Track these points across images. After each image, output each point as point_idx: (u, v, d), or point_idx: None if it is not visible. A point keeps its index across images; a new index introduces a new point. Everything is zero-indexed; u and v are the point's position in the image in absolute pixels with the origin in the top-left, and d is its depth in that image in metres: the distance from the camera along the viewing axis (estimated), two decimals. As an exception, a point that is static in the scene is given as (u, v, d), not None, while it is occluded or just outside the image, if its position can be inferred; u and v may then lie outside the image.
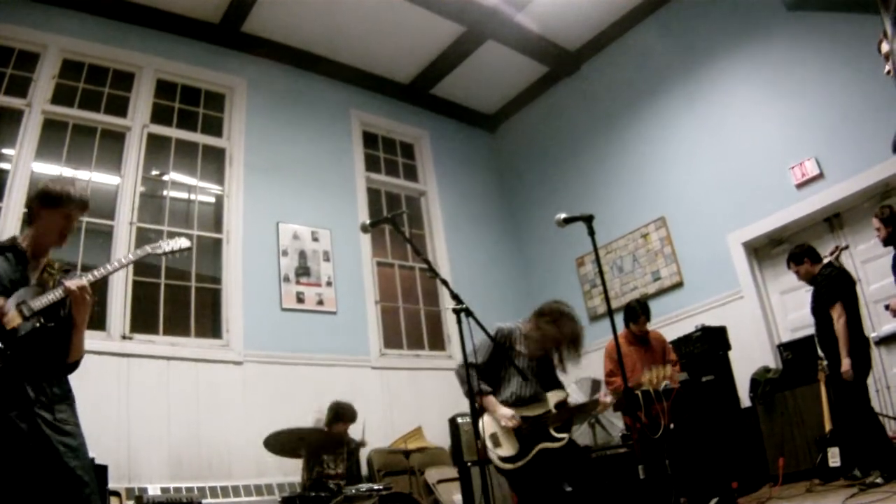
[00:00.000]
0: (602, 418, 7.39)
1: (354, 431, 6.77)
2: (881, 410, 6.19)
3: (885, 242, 5.74)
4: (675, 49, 8.81)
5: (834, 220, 7.46)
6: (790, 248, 7.04)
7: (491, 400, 4.55)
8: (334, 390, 6.94)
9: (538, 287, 10.21)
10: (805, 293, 7.26)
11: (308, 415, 6.75)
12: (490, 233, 10.60)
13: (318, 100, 9.41)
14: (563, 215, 4.05)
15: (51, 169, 7.03)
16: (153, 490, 6.13)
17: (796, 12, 7.53)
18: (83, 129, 7.40)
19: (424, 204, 10.21)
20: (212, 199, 8.25)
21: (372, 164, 9.83)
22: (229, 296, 7.65)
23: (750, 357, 7.39)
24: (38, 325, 3.10)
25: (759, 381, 7.06)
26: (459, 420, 7.47)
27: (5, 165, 6.79)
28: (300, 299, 8.14)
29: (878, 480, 5.26)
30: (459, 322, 4.02)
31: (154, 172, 7.80)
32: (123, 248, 7.05)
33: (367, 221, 4.36)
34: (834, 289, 5.95)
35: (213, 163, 8.28)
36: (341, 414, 6.65)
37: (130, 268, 6.97)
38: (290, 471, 6.76)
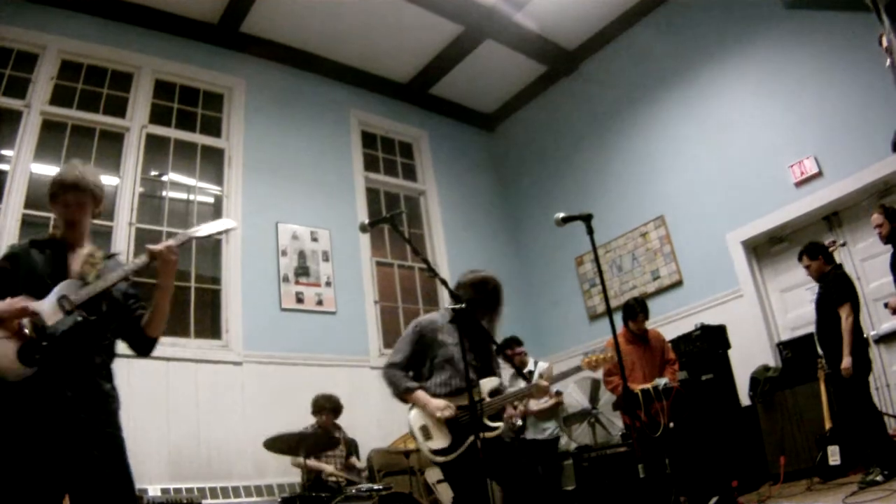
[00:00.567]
0: (602, 417, 7.40)
1: (353, 432, 6.82)
2: (881, 408, 6.18)
3: (886, 240, 5.75)
4: (674, 48, 8.81)
5: (833, 218, 7.46)
6: (789, 246, 7.05)
7: (420, 394, 4.32)
8: (334, 390, 6.91)
9: (537, 286, 10.22)
10: (805, 291, 7.32)
11: (308, 416, 6.75)
12: (489, 232, 10.60)
13: (317, 100, 9.40)
14: (561, 214, 4.04)
15: (50, 170, 7.00)
16: (153, 491, 6.12)
17: (794, 10, 7.54)
18: (82, 130, 7.40)
19: (423, 203, 10.21)
20: (211, 200, 8.25)
21: (371, 164, 9.83)
22: (229, 296, 7.65)
23: (749, 356, 7.38)
24: (79, 319, 2.99)
25: (759, 380, 7.06)
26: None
27: (4, 166, 6.79)
28: (299, 299, 8.14)
29: (879, 478, 5.26)
30: (458, 321, 4.01)
31: (153, 173, 7.80)
32: (122, 248, 7.04)
33: (366, 221, 4.29)
34: (845, 289, 5.95)
35: (212, 163, 8.28)
36: (321, 405, 6.69)
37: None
38: (290, 471, 6.76)
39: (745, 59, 8.07)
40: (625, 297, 8.66)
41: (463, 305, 3.85)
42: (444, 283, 3.99)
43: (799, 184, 7.44)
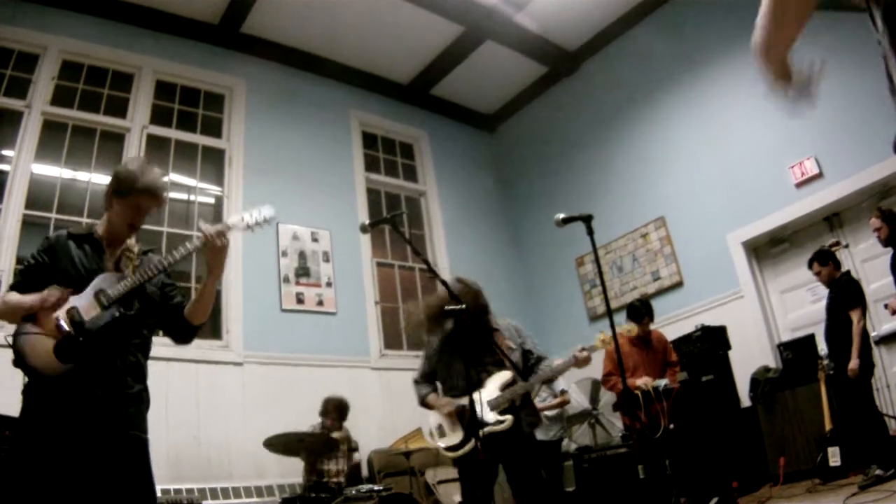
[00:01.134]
0: (602, 418, 7.38)
1: (353, 432, 6.80)
2: (882, 409, 6.18)
3: (886, 243, 5.78)
4: (675, 49, 8.79)
5: (833, 219, 7.45)
6: (790, 247, 7.05)
7: (431, 397, 4.63)
8: (334, 391, 6.91)
9: (538, 287, 10.21)
10: (805, 292, 7.35)
11: (308, 416, 6.74)
12: (490, 233, 10.59)
13: (318, 100, 9.39)
14: (561, 215, 4.04)
15: (50, 170, 7.03)
16: (152, 492, 6.11)
17: (795, 11, 7.51)
18: (83, 131, 7.39)
19: (424, 204, 10.20)
20: (211, 200, 8.24)
21: (371, 165, 9.81)
22: (229, 297, 7.62)
23: (750, 357, 7.37)
24: (117, 314, 2.92)
25: (760, 381, 7.05)
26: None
27: (5, 167, 6.77)
28: (300, 300, 8.12)
29: (878, 472, 5.26)
30: (457, 322, 4.01)
31: (154, 173, 7.74)
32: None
33: (367, 222, 4.33)
34: (857, 293, 6.04)
35: (213, 164, 8.27)
36: (331, 407, 6.70)
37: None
38: (291, 472, 6.74)
39: (745, 60, 7.84)
40: (625, 297, 8.67)
41: (462, 306, 3.86)
42: (444, 283, 4.03)
43: (799, 185, 7.42)
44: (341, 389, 7.01)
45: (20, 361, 2.82)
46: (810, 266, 6.40)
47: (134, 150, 7.51)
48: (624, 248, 9.09)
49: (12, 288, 3.00)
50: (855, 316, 5.90)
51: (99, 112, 7.50)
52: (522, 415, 4.44)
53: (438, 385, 4.85)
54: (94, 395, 2.86)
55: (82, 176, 7.26)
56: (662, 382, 5.98)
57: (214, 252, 3.21)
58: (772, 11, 1.49)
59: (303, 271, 8.28)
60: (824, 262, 6.29)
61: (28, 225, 6.59)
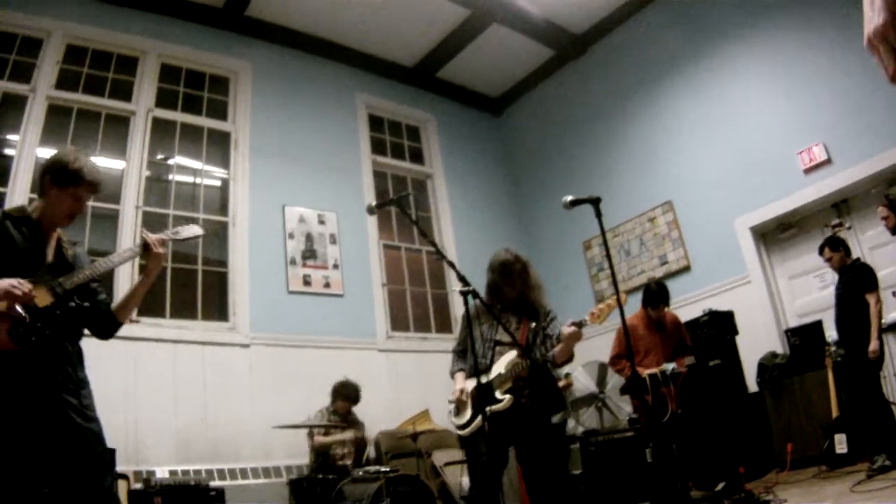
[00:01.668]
0: (609, 402, 7.28)
1: (360, 413, 6.73)
2: (889, 397, 6.06)
3: (894, 231, 5.70)
4: (683, 32, 8.62)
5: (842, 205, 7.31)
6: (798, 233, 6.93)
7: (457, 377, 4.52)
8: (341, 373, 6.84)
9: (545, 270, 9.94)
10: (813, 279, 7.29)
11: (314, 398, 6.67)
12: (496, 216, 10.46)
13: (323, 83, 9.24)
14: (569, 197, 3.91)
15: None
16: (161, 473, 6.08)
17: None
18: (88, 114, 7.26)
19: (431, 187, 10.07)
20: (218, 183, 8.12)
21: (378, 148, 9.68)
22: (236, 279, 7.55)
23: (757, 342, 7.27)
24: (73, 304, 2.97)
25: (767, 366, 6.95)
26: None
27: (10, 151, 6.66)
28: (307, 282, 8.04)
29: (886, 463, 5.15)
30: (466, 304, 3.92)
31: (159, 156, 7.66)
32: (129, 231, 6.95)
33: (373, 203, 4.19)
34: (872, 277, 5.98)
35: (219, 146, 8.15)
36: (342, 392, 6.64)
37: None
38: (298, 453, 6.70)
39: (754, 45, 7.89)
40: (633, 281, 8.58)
41: (471, 288, 3.77)
42: (451, 265, 3.91)
43: (808, 171, 7.29)
44: (348, 371, 6.92)
45: None
46: (821, 252, 6.31)
47: (139, 134, 7.39)
48: (631, 231, 8.95)
49: None
50: (872, 299, 5.82)
51: (104, 96, 7.36)
52: (527, 394, 4.30)
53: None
54: (56, 380, 2.90)
55: (88, 159, 7.12)
56: (670, 366, 5.85)
57: (154, 258, 3.25)
58: None
59: (309, 253, 8.18)
60: (835, 247, 6.21)
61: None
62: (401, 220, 9.53)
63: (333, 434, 6.47)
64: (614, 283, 3.91)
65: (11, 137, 6.72)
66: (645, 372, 5.89)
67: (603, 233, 3.90)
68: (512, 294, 4.46)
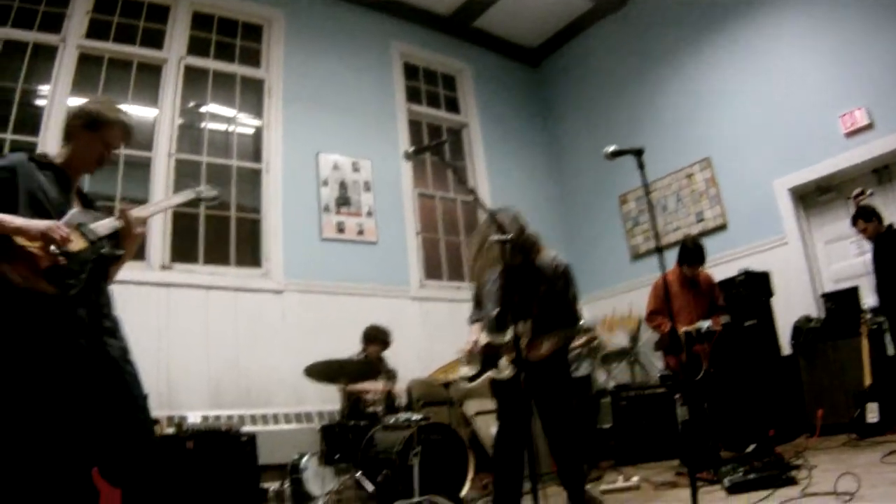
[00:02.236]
0: (642, 357, 7.07)
1: (392, 361, 6.59)
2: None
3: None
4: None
5: (883, 171, 6.98)
6: (837, 196, 6.73)
7: (472, 328, 4.44)
8: (374, 320, 6.69)
9: (579, 223, 9.83)
10: (850, 244, 7.01)
11: (347, 344, 6.52)
12: (531, 167, 10.17)
13: (358, 30, 8.94)
14: (611, 148, 3.65)
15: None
16: (193, 418, 6.01)
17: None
18: (119, 63, 7.06)
19: (466, 136, 9.77)
20: (251, 130, 7.95)
21: (413, 96, 9.39)
22: (269, 225, 7.42)
23: (791, 305, 7.00)
24: (104, 251, 2.84)
25: (801, 330, 6.68)
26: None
27: (41, 101, 6.52)
28: (340, 229, 7.88)
29: None
30: (504, 254, 3.73)
31: (191, 104, 7.49)
32: (162, 179, 6.83)
33: (411, 149, 4.04)
34: None
35: (252, 94, 7.94)
36: (373, 336, 6.50)
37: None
38: (330, 399, 6.57)
39: (800, 3, 7.49)
40: (668, 238, 8.27)
41: (509, 237, 3.63)
42: (490, 213, 3.75)
43: (849, 134, 6.96)
44: (381, 319, 6.76)
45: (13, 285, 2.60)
46: (854, 223, 6.08)
47: (171, 82, 7.19)
48: (668, 187, 8.60)
49: None
50: None
51: (135, 44, 7.16)
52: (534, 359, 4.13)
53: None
54: (96, 322, 2.81)
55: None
56: (705, 324, 5.56)
57: (132, 236, 3.04)
58: None
59: (343, 201, 8.01)
60: (868, 217, 5.97)
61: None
62: (436, 169, 9.29)
63: (365, 382, 6.35)
64: (655, 236, 3.71)
65: (42, 88, 6.56)
66: (680, 329, 5.65)
67: (645, 185, 3.64)
68: (517, 260, 4.13)
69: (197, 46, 7.59)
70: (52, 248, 2.60)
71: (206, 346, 6.55)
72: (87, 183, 5.28)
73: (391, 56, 9.20)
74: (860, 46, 6.94)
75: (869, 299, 6.11)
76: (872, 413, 5.50)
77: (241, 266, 7.22)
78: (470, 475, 5.26)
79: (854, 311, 6.17)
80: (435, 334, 7.91)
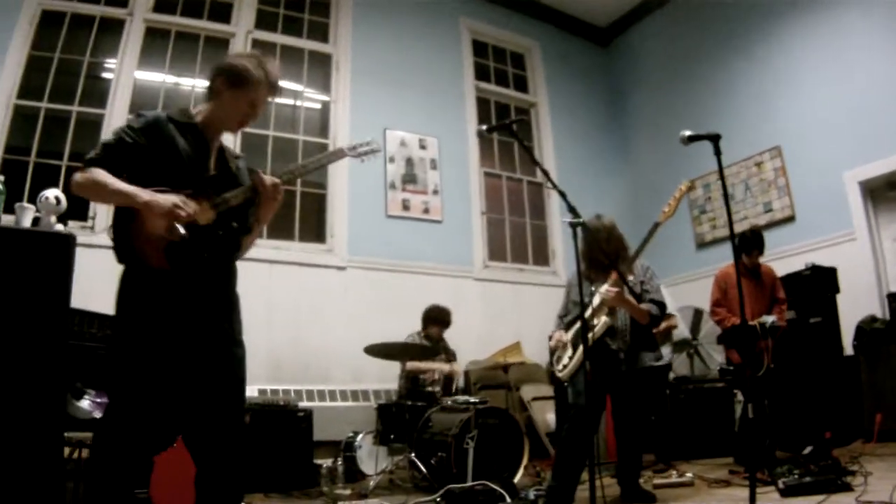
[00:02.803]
0: (701, 349, 6.73)
1: (452, 342, 6.41)
2: None
3: None
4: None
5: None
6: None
7: (554, 334, 4.43)
8: (435, 299, 6.51)
9: (645, 208, 9.35)
10: None
11: (408, 322, 6.38)
12: (598, 149, 9.80)
13: (427, 6, 8.68)
14: (687, 133, 3.40)
15: (154, 77, 6.72)
16: (251, 392, 5.91)
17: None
18: (186, 37, 6.99)
19: (534, 116, 9.46)
20: (318, 105, 7.82)
21: (481, 74, 9.11)
22: (335, 201, 7.31)
23: (857, 303, 6.50)
24: (234, 225, 2.65)
25: (865, 330, 6.18)
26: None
27: (108, 75, 6.48)
28: (406, 207, 7.73)
29: None
30: (575, 236, 3.58)
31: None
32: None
33: (484, 127, 3.90)
34: None
35: (320, 69, 7.80)
36: (435, 316, 6.32)
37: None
38: (388, 377, 6.46)
39: None
40: (734, 227, 7.83)
41: (580, 220, 3.50)
42: (562, 194, 3.55)
43: (923, 128, 6.45)
44: (442, 298, 6.58)
45: (128, 254, 2.47)
46: None
47: (271, 64, 7.07)
48: (737, 175, 8.14)
49: (98, 163, 2.48)
50: None
51: (202, 18, 7.07)
52: (620, 344, 4.17)
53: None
54: (205, 301, 2.62)
55: (186, 82, 6.91)
56: (770, 319, 5.22)
57: (268, 202, 2.77)
58: None
59: (409, 178, 7.84)
60: None
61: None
62: (503, 148, 9.02)
63: (426, 361, 6.20)
64: (730, 224, 3.45)
65: (109, 61, 6.52)
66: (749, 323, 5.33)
67: (721, 172, 3.38)
68: (604, 259, 4.17)
69: (265, 21, 7.48)
70: (177, 225, 2.42)
71: (267, 320, 6.47)
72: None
73: (460, 32, 8.93)
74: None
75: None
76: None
77: (305, 241, 7.12)
78: (524, 462, 5.09)
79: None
80: (496, 316, 7.71)
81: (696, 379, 6.63)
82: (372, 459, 5.42)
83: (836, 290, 6.41)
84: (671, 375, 6.58)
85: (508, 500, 4.24)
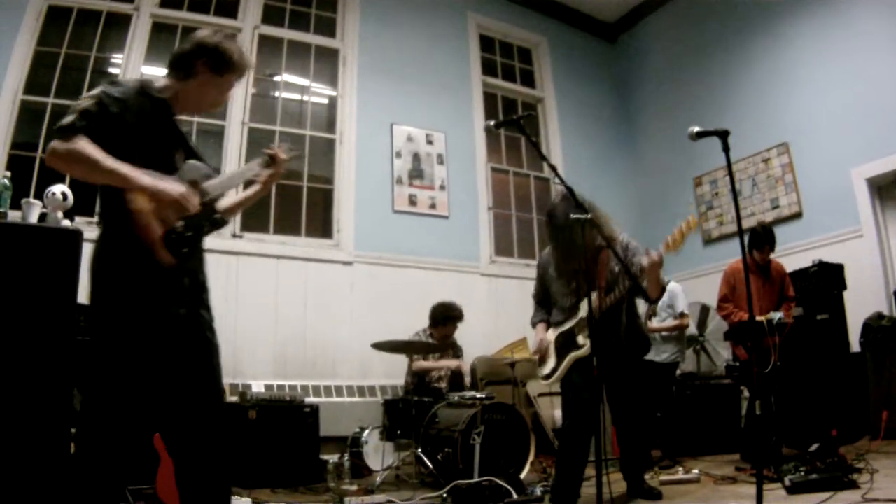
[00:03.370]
0: (708, 345, 6.70)
1: (458, 337, 6.40)
2: None
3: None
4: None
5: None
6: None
7: (538, 328, 4.35)
8: (442, 295, 6.49)
9: (651, 204, 9.40)
10: None
11: (415, 318, 6.38)
12: (605, 145, 9.74)
13: (435, 1, 8.66)
14: (696, 129, 3.36)
15: (160, 72, 6.69)
16: (257, 387, 5.96)
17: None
18: (193, 32, 6.93)
19: (541, 111, 9.41)
20: (324, 100, 7.79)
21: (488, 69, 9.07)
22: (341, 196, 7.27)
23: (864, 300, 6.46)
24: (217, 216, 2.58)
25: (872, 327, 6.13)
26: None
27: (115, 70, 6.47)
28: (412, 202, 7.70)
29: None
30: (582, 232, 3.60)
31: (266, 73, 7.36)
32: (235, 148, 6.74)
33: (492, 122, 3.88)
34: None
35: (326, 64, 7.76)
36: (447, 315, 6.25)
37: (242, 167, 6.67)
38: (395, 373, 6.46)
39: None
40: (742, 223, 7.78)
41: (587, 215, 3.45)
42: (570, 189, 3.52)
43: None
44: (449, 294, 6.56)
45: (131, 243, 2.30)
46: None
47: (246, 50, 7.05)
48: (744, 171, 8.06)
49: (81, 133, 2.23)
50: None
51: (209, 13, 7.04)
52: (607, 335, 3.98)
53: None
54: (194, 290, 2.56)
55: (195, 76, 6.90)
56: (777, 315, 5.19)
57: (277, 174, 2.83)
58: None
59: (416, 173, 7.81)
60: None
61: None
62: (510, 143, 8.98)
63: (434, 359, 6.18)
64: (738, 220, 3.38)
65: (116, 56, 6.51)
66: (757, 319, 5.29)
67: (730, 167, 3.34)
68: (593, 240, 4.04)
69: (271, 15, 7.44)
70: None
71: (273, 315, 6.47)
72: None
73: (467, 27, 8.88)
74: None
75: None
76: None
77: (311, 236, 7.10)
78: (530, 458, 5.08)
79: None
80: (502, 311, 7.69)
81: (702, 375, 6.61)
82: (378, 455, 5.41)
83: (843, 286, 6.37)
84: (677, 372, 6.55)
85: (515, 496, 4.22)
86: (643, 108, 9.93)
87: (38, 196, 3.81)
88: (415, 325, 6.32)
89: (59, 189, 3.85)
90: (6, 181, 3.90)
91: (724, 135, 3.31)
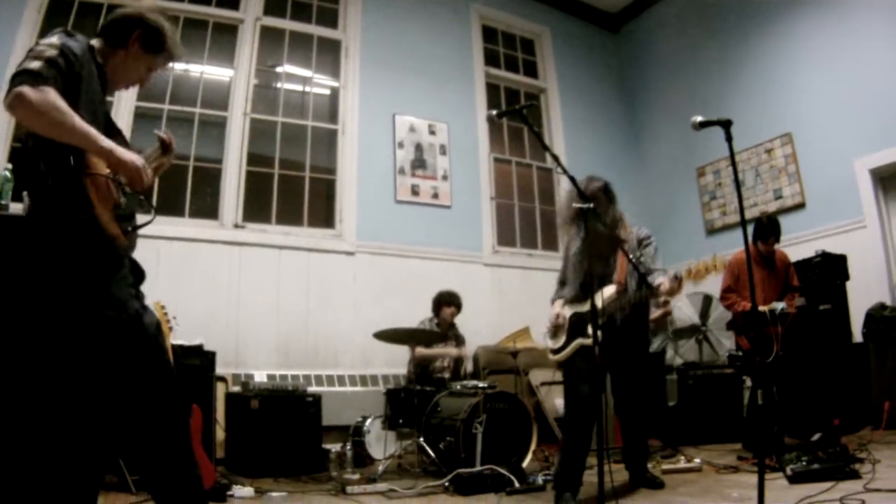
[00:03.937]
0: (710, 335, 6.68)
1: (461, 327, 6.38)
2: None
3: None
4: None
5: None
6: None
7: (555, 303, 4.35)
8: (445, 285, 6.49)
9: (654, 194, 9.36)
10: None
11: (417, 308, 6.37)
12: (608, 135, 9.69)
13: (437, -8, 8.62)
14: (698, 118, 3.32)
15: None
16: (259, 376, 5.95)
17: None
18: (195, 23, 6.92)
19: (544, 101, 9.36)
20: (327, 91, 7.75)
21: (491, 59, 9.02)
22: (343, 186, 7.25)
23: (866, 290, 6.44)
24: (142, 199, 2.37)
25: (875, 318, 6.10)
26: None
27: (118, 61, 6.42)
28: (415, 192, 7.67)
29: None
30: (585, 221, 3.62)
31: (268, 65, 7.32)
32: (237, 138, 6.71)
33: (494, 112, 3.93)
34: None
35: (329, 55, 7.72)
36: (447, 299, 6.28)
37: (244, 158, 6.67)
38: (397, 362, 6.44)
39: None
40: (745, 213, 7.76)
41: (589, 205, 3.46)
42: (572, 179, 3.52)
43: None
44: (452, 284, 6.56)
45: (86, 215, 2.06)
46: None
47: (248, 42, 7.02)
48: (747, 161, 8.01)
49: (51, 83, 2.03)
50: None
51: (211, 4, 6.99)
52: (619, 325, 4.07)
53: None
54: (134, 278, 2.34)
55: (195, 68, 6.86)
56: (780, 306, 5.17)
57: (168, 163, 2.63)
58: None
59: (419, 163, 7.78)
60: None
61: (139, 117, 6.26)
62: (512, 134, 8.94)
63: (436, 347, 6.18)
64: (741, 209, 3.36)
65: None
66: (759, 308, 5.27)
67: (733, 158, 3.30)
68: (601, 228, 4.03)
69: (273, 7, 7.39)
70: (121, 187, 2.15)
71: (276, 305, 6.46)
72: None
73: (470, 18, 8.83)
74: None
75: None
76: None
77: (314, 226, 7.07)
78: (532, 446, 5.06)
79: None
80: (505, 301, 7.68)
81: (704, 365, 6.58)
82: (380, 444, 5.41)
83: (846, 277, 6.36)
84: (679, 361, 6.54)
85: (517, 484, 4.22)
86: (646, 99, 9.87)
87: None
88: (417, 314, 6.32)
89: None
90: (7, 173, 3.90)
91: (726, 124, 3.27)
